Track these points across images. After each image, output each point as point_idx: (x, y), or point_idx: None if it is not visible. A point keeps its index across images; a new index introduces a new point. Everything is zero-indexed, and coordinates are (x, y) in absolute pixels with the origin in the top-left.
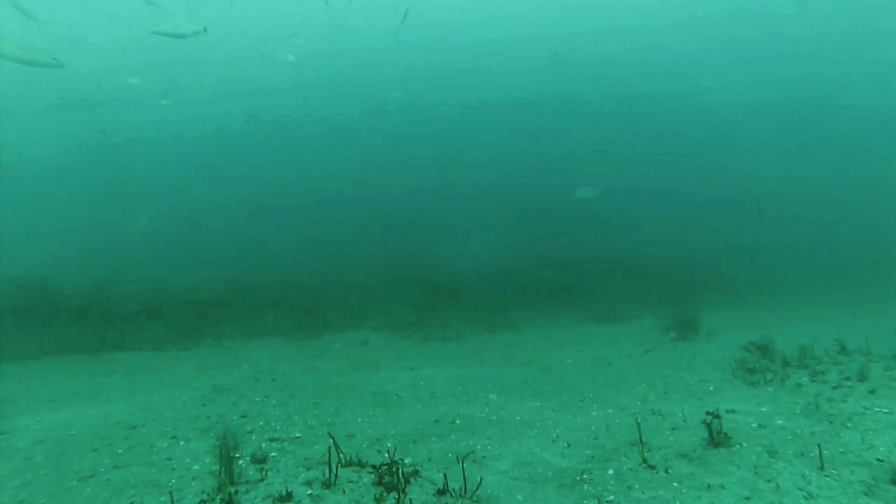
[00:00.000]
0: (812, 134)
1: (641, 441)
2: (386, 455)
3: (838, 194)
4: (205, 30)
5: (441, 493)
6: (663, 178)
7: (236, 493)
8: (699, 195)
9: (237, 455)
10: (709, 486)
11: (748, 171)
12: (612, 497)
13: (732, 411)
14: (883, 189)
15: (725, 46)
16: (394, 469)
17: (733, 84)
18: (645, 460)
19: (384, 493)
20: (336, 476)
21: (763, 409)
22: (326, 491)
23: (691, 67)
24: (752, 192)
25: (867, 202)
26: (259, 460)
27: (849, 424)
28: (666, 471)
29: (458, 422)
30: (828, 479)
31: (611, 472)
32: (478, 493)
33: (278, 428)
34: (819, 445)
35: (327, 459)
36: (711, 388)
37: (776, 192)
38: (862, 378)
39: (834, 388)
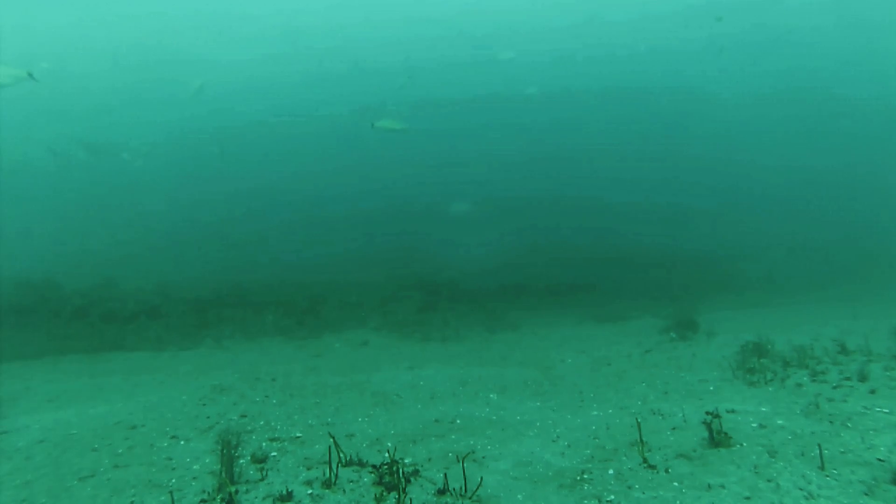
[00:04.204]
0: (809, 126)
1: (641, 441)
2: (386, 455)
3: (838, 189)
4: (30, 75)
5: (441, 492)
6: (655, 172)
7: (237, 492)
8: (693, 188)
9: (237, 455)
10: (709, 485)
11: (744, 161)
12: (612, 497)
13: (732, 411)
14: (882, 184)
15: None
16: (394, 469)
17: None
18: (645, 460)
19: (384, 493)
20: (336, 476)
21: (763, 409)
22: (327, 490)
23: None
24: (750, 185)
25: (868, 197)
26: (259, 460)
27: (849, 424)
28: (666, 471)
29: (458, 422)
30: (828, 478)
31: (611, 471)
32: (478, 492)
33: (278, 428)
34: (819, 445)
35: (328, 459)
36: (711, 388)
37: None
38: (862, 378)
39: (834, 387)
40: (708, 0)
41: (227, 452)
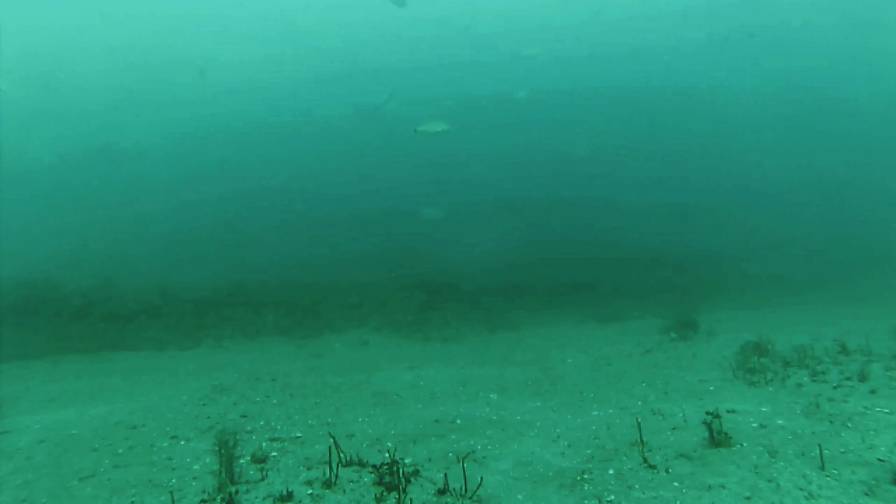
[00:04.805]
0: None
1: (642, 441)
2: (386, 455)
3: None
4: None
5: (441, 492)
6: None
7: (237, 492)
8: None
9: (237, 455)
10: (709, 486)
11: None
12: (612, 497)
13: (733, 411)
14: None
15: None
16: (394, 469)
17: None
18: (645, 460)
19: (385, 493)
20: (336, 476)
21: (763, 409)
22: (327, 490)
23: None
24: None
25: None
26: (259, 460)
27: (849, 424)
28: (666, 471)
29: (458, 422)
30: (828, 479)
31: (611, 471)
32: (478, 492)
33: (279, 428)
34: (819, 445)
35: (328, 459)
36: (712, 388)
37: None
38: (862, 378)
39: (834, 387)
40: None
41: (226, 452)
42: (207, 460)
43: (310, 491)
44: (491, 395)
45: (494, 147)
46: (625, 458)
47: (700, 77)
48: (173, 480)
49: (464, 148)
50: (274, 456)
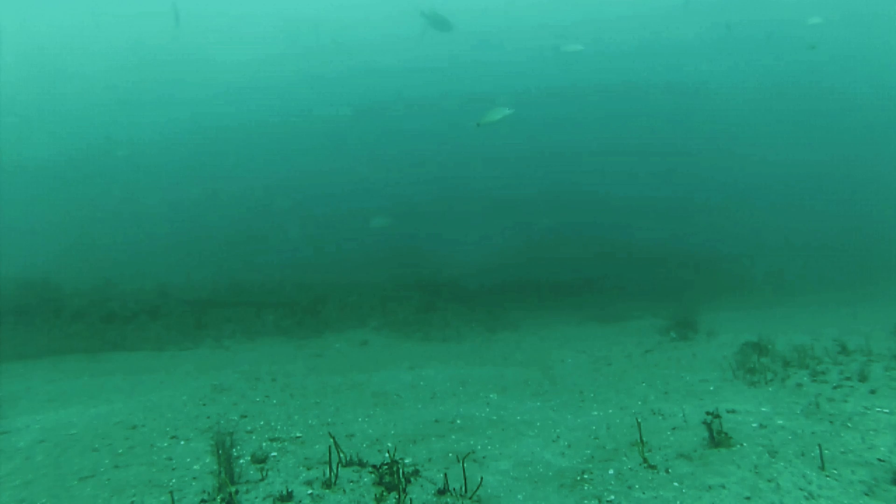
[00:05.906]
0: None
1: (642, 441)
2: (386, 455)
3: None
4: None
5: (441, 492)
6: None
7: (237, 492)
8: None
9: (237, 455)
10: (709, 486)
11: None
12: (612, 497)
13: (733, 411)
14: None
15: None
16: (394, 469)
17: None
18: (645, 460)
19: (384, 493)
20: (336, 476)
21: (763, 409)
22: (327, 490)
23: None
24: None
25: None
26: (259, 460)
27: (849, 424)
28: (666, 471)
29: (458, 422)
30: (828, 479)
31: (611, 471)
32: (478, 492)
33: (279, 428)
34: (819, 445)
35: (328, 459)
36: (712, 388)
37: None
38: (862, 378)
39: (834, 388)
40: None
41: (224, 452)
42: (207, 460)
43: (310, 491)
44: (491, 395)
45: (494, 146)
46: (625, 458)
47: (702, 74)
48: (173, 480)
49: (463, 147)
50: (274, 456)
